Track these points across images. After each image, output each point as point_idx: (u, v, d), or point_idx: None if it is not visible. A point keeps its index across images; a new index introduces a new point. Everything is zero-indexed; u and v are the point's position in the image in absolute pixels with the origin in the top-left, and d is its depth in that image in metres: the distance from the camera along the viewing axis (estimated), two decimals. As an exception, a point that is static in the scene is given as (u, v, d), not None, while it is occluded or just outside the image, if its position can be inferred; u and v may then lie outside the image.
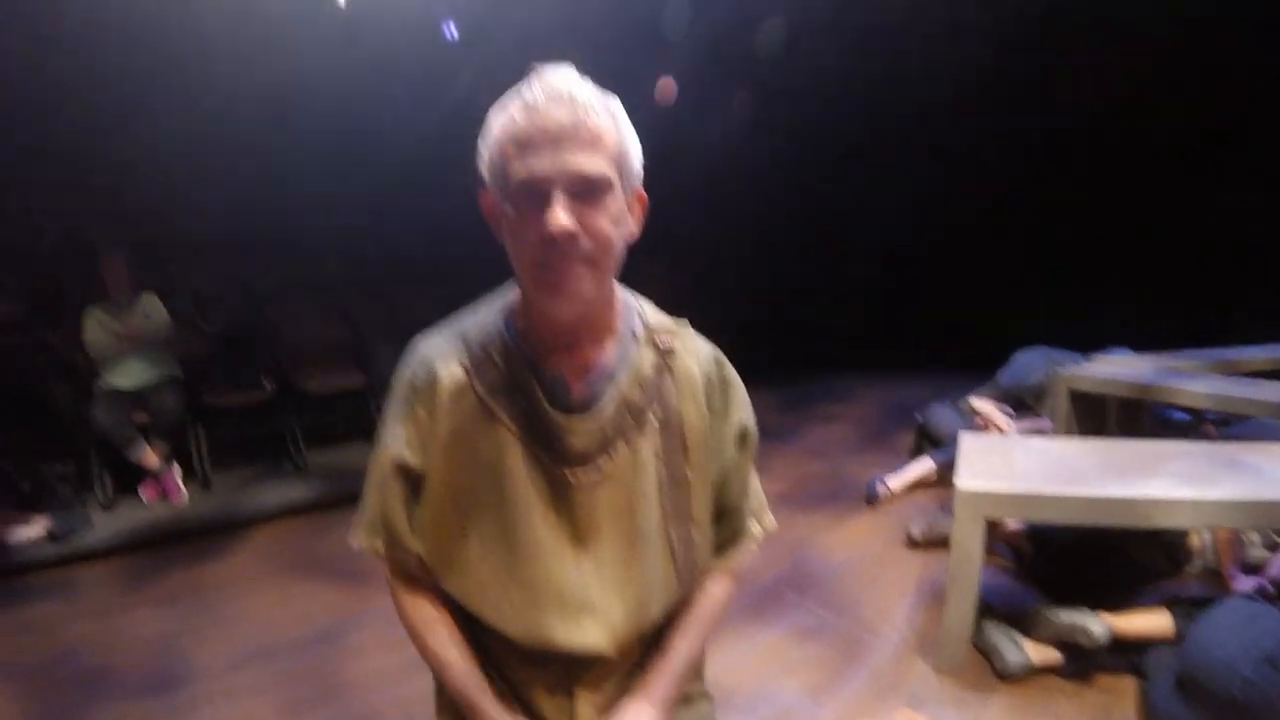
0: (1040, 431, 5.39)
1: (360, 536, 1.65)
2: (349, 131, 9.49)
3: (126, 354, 5.96)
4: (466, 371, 1.56)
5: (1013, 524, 4.07)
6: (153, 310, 6.16)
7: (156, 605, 4.47)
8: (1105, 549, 3.70)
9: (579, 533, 1.56)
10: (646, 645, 1.71)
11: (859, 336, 9.95)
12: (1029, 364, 6.02)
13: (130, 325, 5.95)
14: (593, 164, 1.36)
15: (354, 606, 4.26)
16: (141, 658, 3.87)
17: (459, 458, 1.55)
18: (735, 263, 9.98)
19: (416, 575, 1.63)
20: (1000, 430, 5.53)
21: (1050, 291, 8.92)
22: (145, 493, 5.89)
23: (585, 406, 1.54)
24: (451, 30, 10.05)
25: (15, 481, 5.65)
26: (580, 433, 1.53)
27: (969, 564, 3.27)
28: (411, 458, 1.58)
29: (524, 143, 1.36)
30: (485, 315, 1.64)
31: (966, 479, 3.33)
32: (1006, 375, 6.10)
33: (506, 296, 1.65)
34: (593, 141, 1.37)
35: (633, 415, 1.57)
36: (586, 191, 1.37)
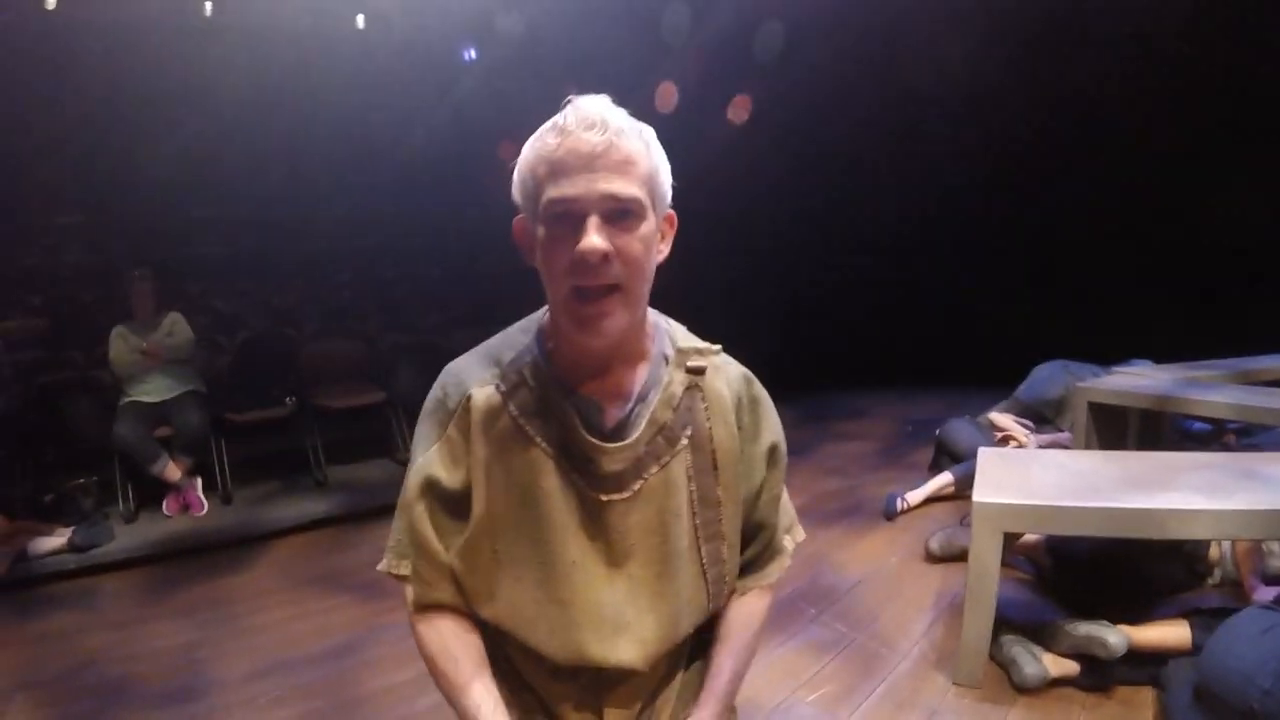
0: (1060, 445, 5.38)
1: (390, 561, 1.66)
2: (367, 152, 9.56)
3: (150, 370, 6.00)
4: (501, 394, 1.55)
5: (1031, 537, 4.06)
6: (176, 328, 6.21)
7: (176, 617, 4.49)
8: (1124, 561, 3.69)
9: (613, 553, 1.57)
10: (674, 658, 1.72)
11: (875, 352, 9.93)
12: (1048, 377, 6.01)
13: (154, 342, 6.00)
14: (625, 187, 1.37)
15: (372, 621, 4.27)
16: (160, 668, 3.90)
17: (493, 479, 1.55)
18: (749, 279, 9.99)
19: (440, 597, 1.62)
20: (1020, 444, 5.52)
21: (1068, 304, 8.90)
22: (167, 506, 5.91)
23: (619, 432, 1.55)
24: (471, 53, 10.12)
25: (38, 493, 5.69)
26: (615, 458, 1.53)
27: (987, 577, 3.26)
28: (443, 475, 1.58)
29: (557, 165, 1.37)
30: (518, 338, 1.63)
31: (984, 493, 3.33)
32: (1026, 389, 6.09)
33: (538, 320, 1.64)
34: (625, 164, 1.37)
35: (665, 437, 1.57)
36: (619, 214, 1.37)
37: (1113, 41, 7.96)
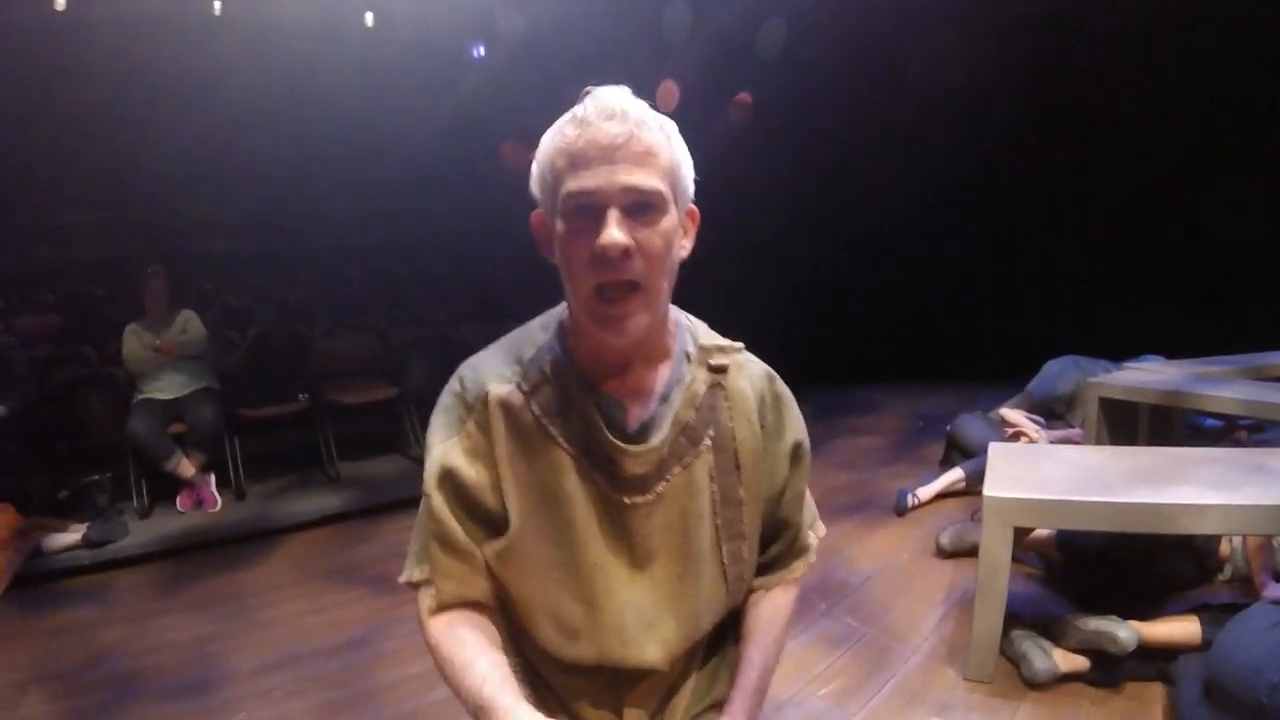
0: (1071, 441, 5.38)
1: (410, 571, 1.59)
2: (375, 149, 9.57)
3: (163, 367, 6.04)
4: (523, 392, 1.52)
5: (1041, 532, 4.06)
6: (189, 325, 6.24)
7: (190, 611, 4.52)
8: (1134, 557, 3.69)
9: (635, 554, 1.55)
10: (692, 654, 1.70)
11: (886, 347, 9.92)
12: (1059, 373, 6.00)
13: (167, 340, 6.03)
14: (646, 179, 1.34)
15: (385, 614, 4.30)
16: (174, 662, 3.93)
17: (513, 477, 1.52)
18: (758, 274, 9.99)
19: (460, 592, 1.56)
20: (1031, 439, 5.52)
21: (1080, 300, 8.88)
22: (181, 501, 5.96)
23: (642, 433, 1.52)
24: (479, 50, 10.14)
25: (53, 490, 5.73)
26: (638, 460, 1.50)
27: (997, 571, 3.27)
28: (462, 465, 1.52)
29: (576, 157, 1.34)
30: (538, 335, 1.60)
31: (995, 487, 3.34)
32: (1037, 385, 6.08)
33: (558, 316, 1.60)
34: (646, 156, 1.34)
35: (688, 437, 1.55)
36: (640, 208, 1.34)
37: (1118, 36, 7.95)
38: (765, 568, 1.76)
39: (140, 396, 6.00)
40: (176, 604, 4.64)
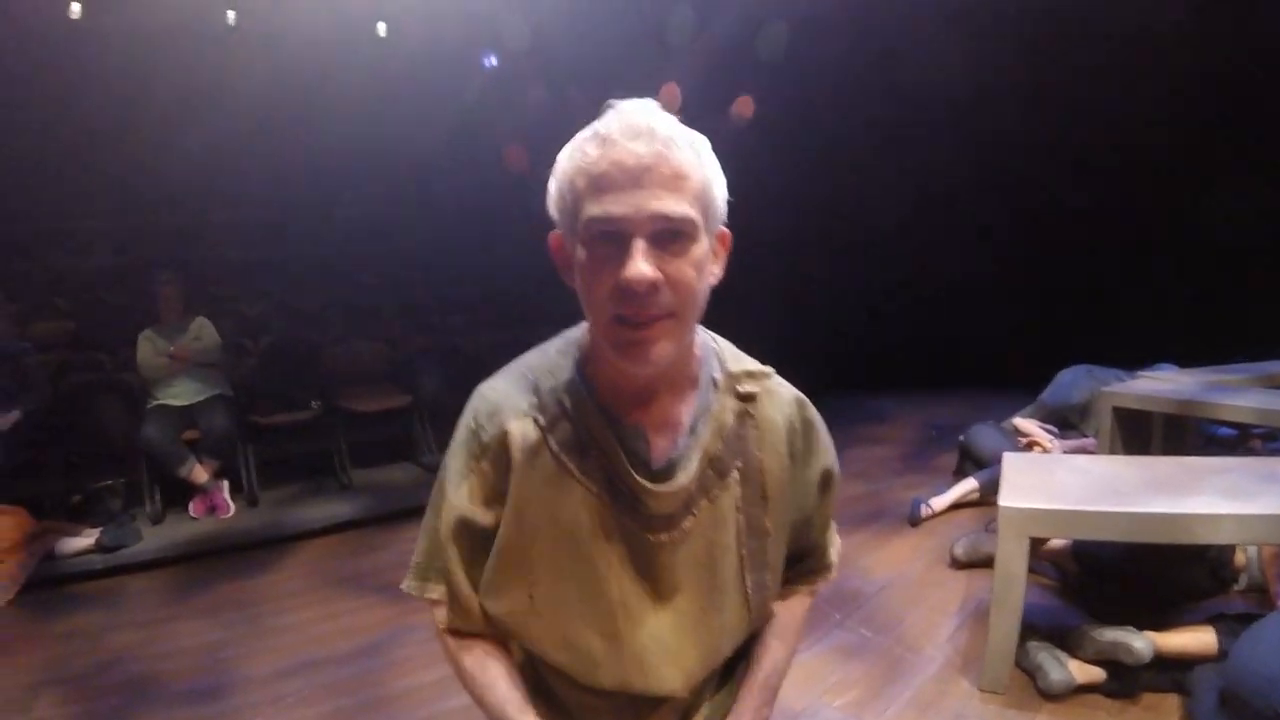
0: (1085, 451, 5.36)
1: (414, 583, 1.56)
2: (387, 158, 9.59)
3: (177, 374, 6.07)
4: (540, 427, 1.44)
5: (1056, 542, 4.05)
6: (203, 332, 6.28)
7: (202, 617, 4.54)
8: (1149, 567, 3.68)
9: (659, 589, 1.49)
10: (711, 676, 1.66)
11: (896, 357, 9.91)
12: (1073, 382, 5.99)
13: (181, 346, 6.05)
14: (676, 205, 1.22)
15: (398, 622, 4.29)
16: (186, 667, 3.94)
17: (532, 517, 1.46)
18: (768, 282, 9.99)
19: (474, 629, 1.56)
20: (1044, 449, 5.51)
21: (1093, 308, 8.87)
22: (193, 508, 5.96)
23: (668, 470, 1.44)
24: (491, 60, 10.16)
25: (66, 494, 5.75)
26: (665, 499, 1.43)
27: (1013, 582, 3.27)
28: (476, 514, 1.48)
29: (598, 179, 1.23)
30: (556, 360, 1.50)
31: (1010, 497, 3.33)
32: (1050, 394, 6.07)
33: (576, 339, 1.51)
34: (676, 179, 1.23)
35: (715, 470, 1.48)
36: (669, 236, 1.23)
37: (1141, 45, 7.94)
38: (785, 581, 1.70)
39: (154, 403, 6.02)
40: (188, 610, 4.65)
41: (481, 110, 9.95)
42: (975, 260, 9.51)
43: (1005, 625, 3.30)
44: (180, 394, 6.07)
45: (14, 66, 7.99)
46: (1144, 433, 5.18)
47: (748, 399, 1.51)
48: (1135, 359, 6.04)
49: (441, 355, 7.69)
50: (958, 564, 4.62)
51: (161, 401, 6.01)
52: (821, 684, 3.50)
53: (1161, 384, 5.24)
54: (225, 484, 6.12)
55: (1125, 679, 3.24)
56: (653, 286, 1.22)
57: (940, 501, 5.46)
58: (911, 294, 10.14)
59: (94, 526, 5.36)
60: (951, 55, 8.29)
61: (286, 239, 10.11)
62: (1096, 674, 3.26)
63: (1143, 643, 3.14)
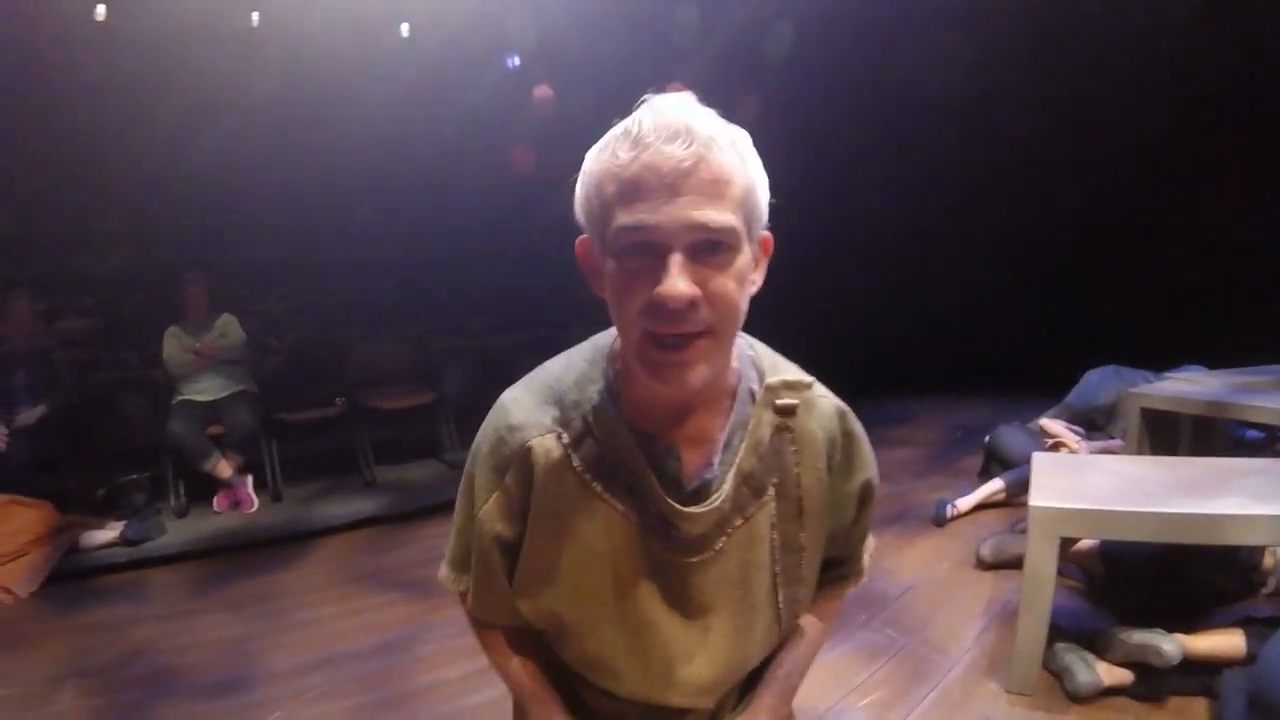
0: (1111, 452, 5.33)
1: (449, 574, 1.54)
2: (411, 159, 9.60)
3: (202, 370, 6.13)
4: (564, 446, 1.37)
5: (1084, 544, 4.03)
6: (228, 329, 6.34)
7: (225, 611, 4.56)
8: (1177, 569, 3.65)
9: (690, 608, 1.43)
10: (739, 685, 1.63)
11: (921, 359, 9.89)
12: (1099, 383, 5.96)
13: (206, 343, 6.10)
14: (717, 215, 1.12)
15: (421, 617, 4.30)
16: (209, 660, 3.95)
17: (555, 537, 1.40)
18: (789, 285, 9.97)
19: (504, 622, 1.54)
20: (1071, 451, 5.48)
21: (1119, 309, 8.82)
22: (217, 503, 6.04)
23: (702, 490, 1.37)
24: (514, 60, 10.16)
25: (91, 488, 5.79)
26: (698, 521, 1.36)
27: (1042, 582, 3.24)
28: (501, 529, 1.42)
29: (631, 186, 1.13)
30: (583, 370, 1.42)
31: (1040, 497, 3.31)
32: (1077, 395, 6.03)
33: (605, 348, 1.43)
34: (717, 185, 1.13)
35: (750, 488, 1.40)
36: (708, 248, 1.14)
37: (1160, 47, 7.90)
38: (818, 585, 1.62)
39: (179, 398, 6.07)
40: (212, 603, 4.68)
41: (505, 110, 9.96)
42: (1000, 262, 9.48)
43: (1033, 626, 3.28)
44: (205, 390, 6.13)
45: (40, 68, 8.02)
46: (1172, 434, 5.14)
47: (786, 413, 1.42)
48: (1162, 360, 6.00)
49: (466, 353, 7.72)
50: (984, 565, 4.60)
51: (187, 397, 6.06)
52: (847, 684, 3.48)
53: (1190, 385, 5.20)
54: (249, 479, 6.18)
55: (1153, 682, 3.21)
56: (690, 304, 1.13)
57: (965, 502, 5.44)
58: (936, 296, 10.10)
59: (118, 520, 5.43)
60: (968, 56, 8.28)
61: (311, 238, 10.12)
62: (1124, 676, 3.24)
63: (1172, 645, 3.11)
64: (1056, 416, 5.99)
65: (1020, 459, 5.44)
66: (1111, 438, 5.73)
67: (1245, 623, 3.24)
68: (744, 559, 1.43)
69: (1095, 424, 5.91)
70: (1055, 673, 3.35)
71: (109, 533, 5.28)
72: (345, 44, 8.64)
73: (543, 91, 8.42)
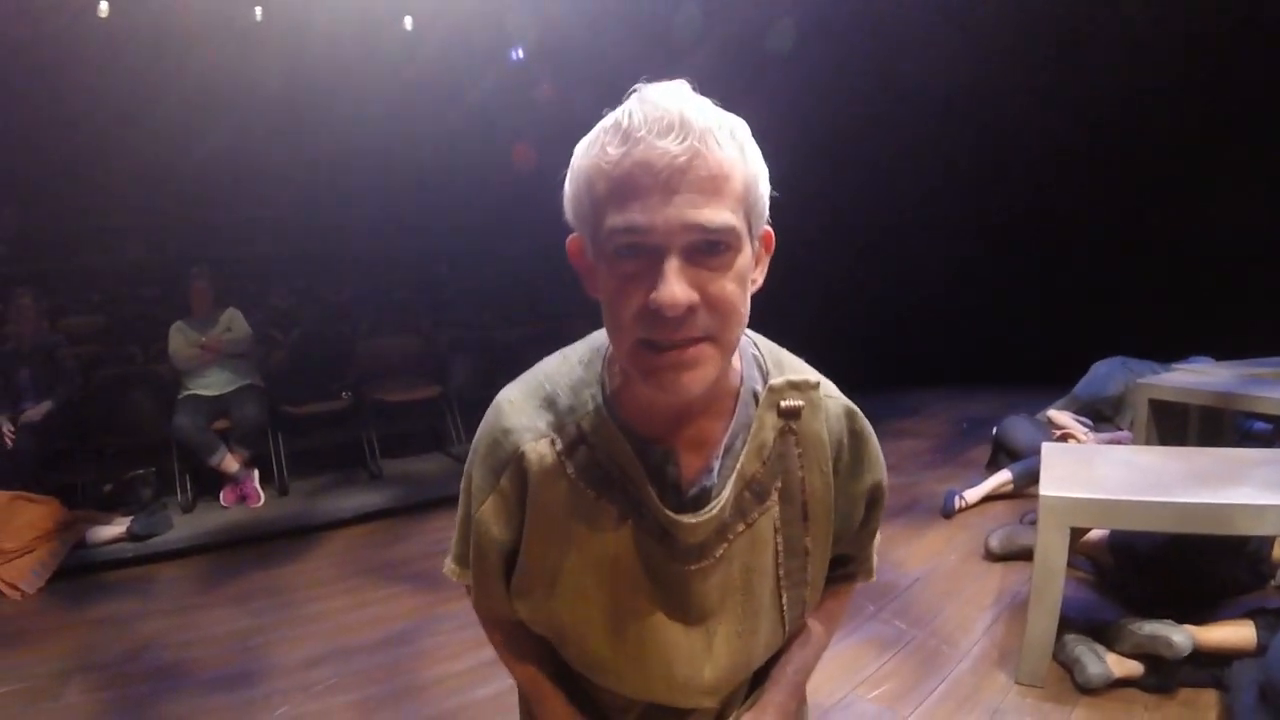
0: (1119, 443, 5.32)
1: (454, 567, 1.50)
2: (416, 153, 9.62)
3: (209, 364, 6.14)
4: (558, 452, 1.31)
5: (1094, 535, 4.02)
6: (235, 324, 6.35)
7: (232, 605, 4.57)
8: (1187, 561, 3.64)
9: (689, 615, 1.37)
10: (744, 684, 1.59)
11: (928, 351, 9.88)
12: (1107, 374, 5.95)
13: (213, 338, 6.10)
14: (715, 213, 1.05)
15: (428, 611, 4.31)
16: (216, 654, 3.96)
17: (551, 542, 1.36)
18: (798, 277, 9.96)
19: (507, 616, 1.51)
20: (1079, 442, 5.47)
21: (1125, 300, 8.81)
22: (224, 497, 6.06)
23: (701, 497, 1.30)
24: (518, 53, 10.16)
25: (98, 483, 5.81)
26: (697, 530, 1.29)
27: (1053, 573, 3.24)
28: (497, 531, 1.38)
29: (623, 184, 1.06)
30: (577, 373, 1.37)
31: (1051, 487, 3.29)
32: (1084, 386, 6.03)
33: (601, 348, 1.37)
34: (715, 181, 1.05)
35: (753, 493, 1.34)
36: (706, 249, 1.07)
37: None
38: (826, 582, 1.56)
39: (185, 393, 6.07)
40: (219, 598, 4.69)
41: (510, 103, 9.97)
42: (1008, 254, 9.47)
43: (1044, 616, 3.27)
44: (211, 384, 6.13)
45: (46, 65, 8.05)
46: (1180, 425, 5.12)
47: (791, 415, 1.35)
48: (1169, 351, 5.98)
49: (472, 346, 7.71)
50: (992, 556, 4.59)
51: (193, 392, 6.07)
52: (856, 676, 3.48)
53: (1198, 376, 5.18)
54: (256, 473, 6.20)
55: (1163, 673, 3.20)
56: (688, 310, 1.06)
57: (973, 494, 5.43)
58: (944, 288, 10.09)
59: (125, 515, 5.43)
60: (972, 52, 8.28)
61: (316, 233, 10.17)
62: (1134, 668, 3.23)
63: (1182, 636, 3.10)
64: (1064, 408, 5.99)
65: (1028, 450, 5.44)
66: (1119, 429, 5.72)
67: (1255, 614, 3.23)
68: (747, 564, 1.38)
69: (1103, 415, 5.90)
70: (1065, 664, 3.34)
71: (115, 528, 5.30)
72: (349, 38, 8.64)
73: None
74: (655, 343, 1.09)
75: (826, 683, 3.38)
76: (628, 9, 8.54)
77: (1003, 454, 5.92)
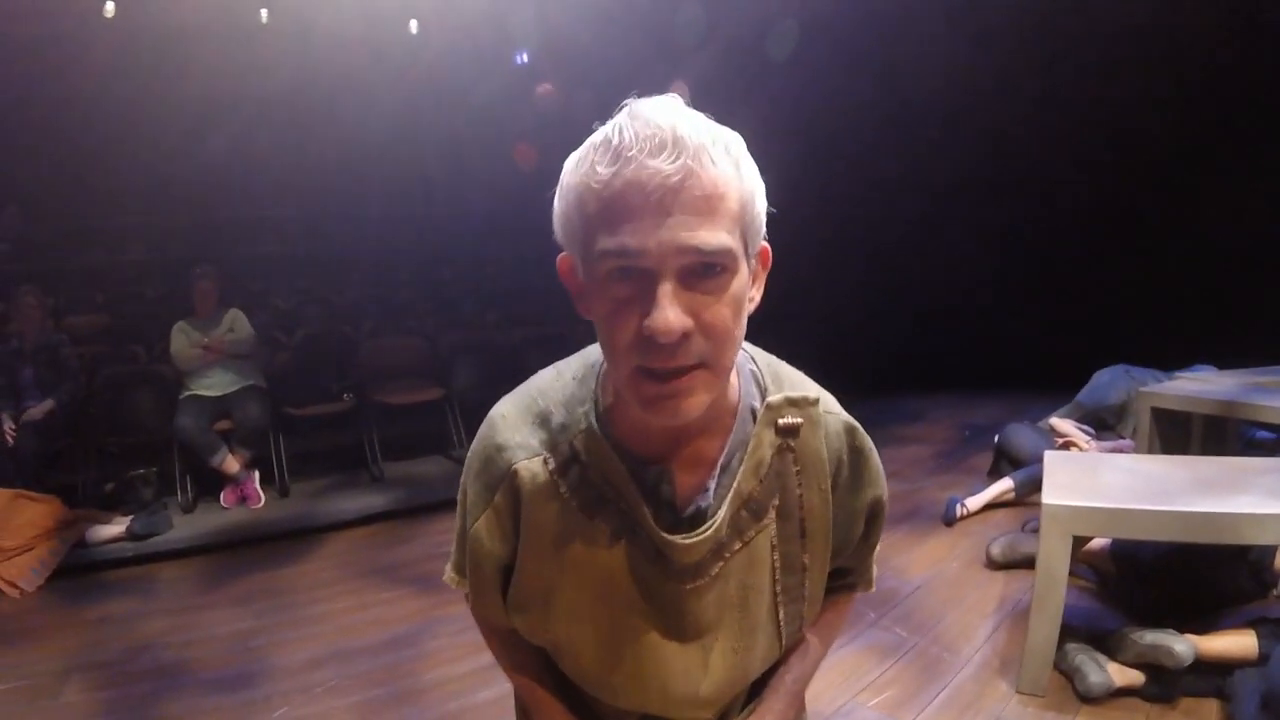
0: (1122, 451, 5.31)
1: (454, 575, 1.51)
2: (420, 154, 9.63)
3: (211, 365, 6.14)
4: (550, 471, 1.30)
5: (1095, 544, 4.01)
6: (237, 324, 6.35)
7: (232, 605, 4.57)
8: (1189, 570, 3.64)
9: (685, 633, 1.36)
10: (741, 695, 1.57)
11: (930, 358, 9.88)
12: (1110, 383, 5.94)
13: (215, 338, 6.11)
14: (710, 235, 1.02)
15: (430, 613, 4.31)
16: (216, 655, 3.96)
17: (544, 560, 1.34)
18: (799, 284, 9.96)
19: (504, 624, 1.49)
20: (1081, 450, 5.46)
21: (1128, 308, 8.81)
22: (225, 498, 6.07)
23: (697, 517, 1.28)
24: (523, 56, 10.18)
25: (99, 482, 5.81)
26: (692, 550, 1.27)
27: (1055, 581, 3.23)
28: (491, 546, 1.38)
29: (613, 204, 1.02)
30: (571, 390, 1.35)
31: (1054, 496, 3.29)
32: (1087, 394, 6.02)
33: (596, 365, 1.34)
34: (709, 202, 1.02)
35: (750, 511, 1.32)
36: (701, 271, 1.04)
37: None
38: (826, 593, 1.53)
39: (187, 393, 6.07)
40: (219, 598, 4.69)
41: (514, 106, 9.99)
42: (1011, 261, 9.48)
43: (1045, 626, 3.26)
44: (214, 385, 6.13)
45: (51, 65, 8.07)
46: (1183, 434, 5.12)
47: (789, 432, 1.32)
48: (1172, 359, 5.98)
49: (474, 349, 7.71)
50: (994, 564, 4.58)
51: (195, 392, 6.07)
52: (857, 683, 3.47)
53: (1201, 385, 5.18)
54: (257, 474, 6.20)
55: (1165, 682, 3.19)
56: (683, 337, 1.03)
57: (975, 501, 5.42)
58: (947, 295, 10.10)
59: (126, 515, 5.44)
60: (977, 57, 8.28)
61: (320, 234, 10.19)
62: (1136, 677, 3.22)
63: (1184, 645, 3.10)
64: (1066, 416, 5.98)
65: (1030, 458, 5.43)
66: (1121, 437, 5.72)
67: (1258, 623, 3.22)
68: (743, 582, 1.36)
69: (1105, 423, 5.89)
70: (1066, 673, 3.33)
71: (116, 527, 5.30)
72: (354, 41, 8.66)
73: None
74: (653, 370, 1.07)
75: (827, 690, 3.38)
76: (632, 13, 8.55)
77: (1005, 461, 5.91)
